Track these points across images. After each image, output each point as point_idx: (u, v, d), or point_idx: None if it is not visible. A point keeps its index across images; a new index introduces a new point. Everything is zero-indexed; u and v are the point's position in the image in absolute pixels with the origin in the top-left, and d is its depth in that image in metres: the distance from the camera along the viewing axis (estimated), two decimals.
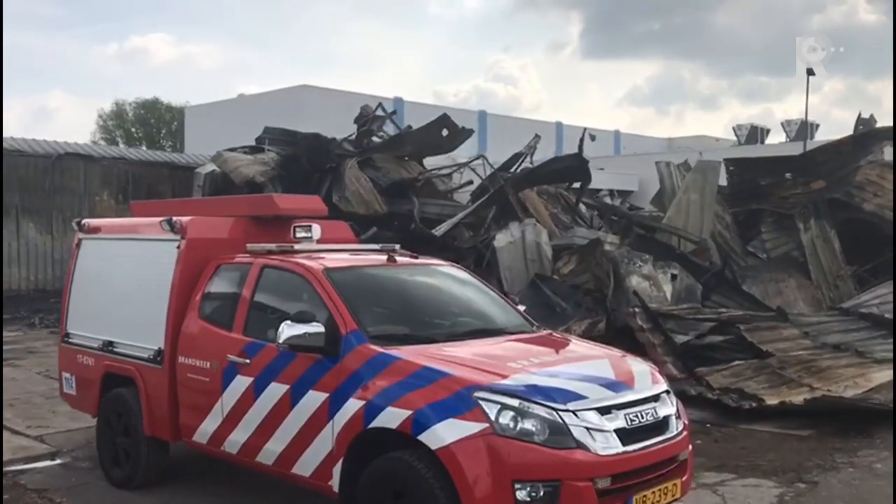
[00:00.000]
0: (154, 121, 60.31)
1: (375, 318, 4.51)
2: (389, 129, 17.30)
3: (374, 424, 3.89)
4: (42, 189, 18.33)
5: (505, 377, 3.81)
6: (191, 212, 5.71)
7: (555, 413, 3.65)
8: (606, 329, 9.02)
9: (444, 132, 14.67)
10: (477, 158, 15.48)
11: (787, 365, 8.82)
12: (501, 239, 10.62)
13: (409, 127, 15.25)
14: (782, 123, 36.42)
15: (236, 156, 14.85)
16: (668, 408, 4.16)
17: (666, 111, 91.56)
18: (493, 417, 3.61)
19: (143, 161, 20.68)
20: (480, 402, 3.66)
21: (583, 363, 4.26)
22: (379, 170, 15.04)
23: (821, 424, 7.16)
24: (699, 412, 7.75)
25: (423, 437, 3.68)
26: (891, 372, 8.80)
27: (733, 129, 44.32)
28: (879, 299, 12.26)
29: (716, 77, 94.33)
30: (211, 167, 15.73)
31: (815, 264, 12.77)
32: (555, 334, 5.08)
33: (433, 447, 3.64)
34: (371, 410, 3.91)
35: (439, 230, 12.13)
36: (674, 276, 9.92)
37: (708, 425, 7.34)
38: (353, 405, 4.00)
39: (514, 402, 3.66)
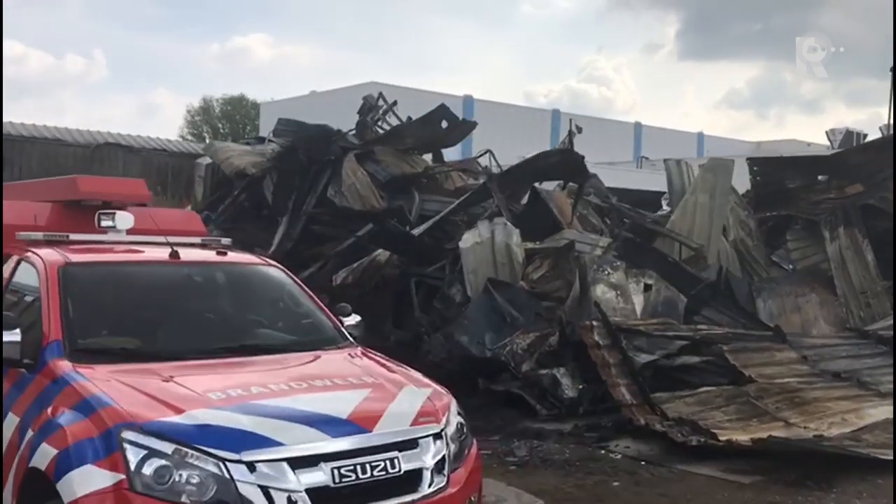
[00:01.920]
0: (239, 117, 61.97)
1: (101, 326, 3.73)
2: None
3: (32, 463, 3.10)
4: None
5: (180, 412, 2.95)
6: (12, 195, 5.04)
7: (221, 465, 2.77)
8: (561, 344, 7.96)
9: (444, 124, 13.75)
10: (484, 153, 14.50)
11: (767, 394, 7.60)
12: (468, 239, 9.65)
13: (410, 119, 14.38)
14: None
15: (228, 146, 14.35)
16: (422, 459, 3.21)
17: (765, 115, 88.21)
18: (133, 467, 2.77)
19: (184, 153, 20.48)
20: (125, 444, 2.82)
21: (325, 394, 3.36)
22: (379, 163, 14.27)
23: (778, 469, 5.99)
24: (641, 446, 6.68)
25: (59, 486, 2.87)
26: (889, 408, 7.47)
27: (826, 133, 41.76)
28: None
29: (820, 80, 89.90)
30: (224, 158, 15.28)
31: (843, 278, 11.30)
32: (359, 355, 4.16)
33: (65, 500, 2.82)
34: (34, 445, 3.12)
35: (418, 230, 11.24)
36: (647, 287, 8.75)
37: (643, 463, 6.26)
38: (27, 436, 3.22)
39: (167, 448, 2.80)
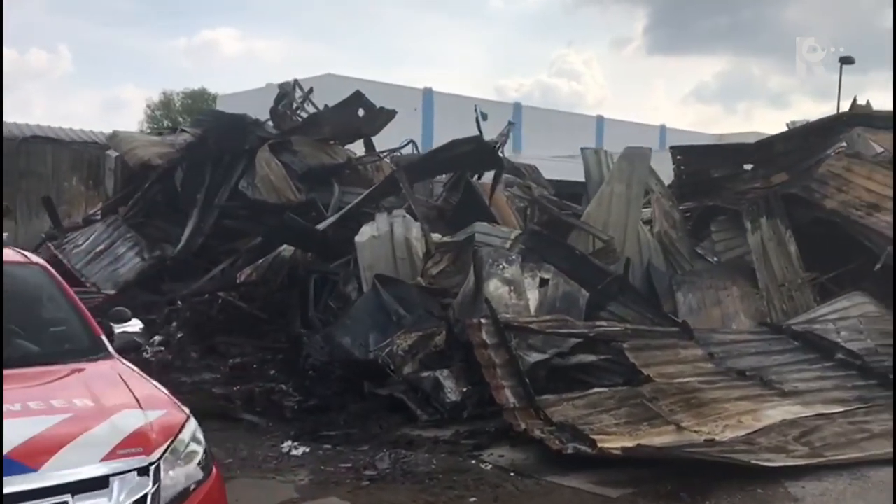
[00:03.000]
0: (200, 111, 61.26)
1: None
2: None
3: None
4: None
5: None
6: None
7: None
8: (448, 344, 7.44)
9: (360, 112, 13.17)
10: (407, 144, 13.95)
11: (663, 395, 7.14)
12: (365, 233, 9.10)
13: (327, 107, 13.77)
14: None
15: (133, 136, 13.67)
16: (109, 498, 2.64)
17: (733, 108, 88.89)
18: None
19: None
20: None
21: (9, 422, 2.78)
22: (296, 154, 13.66)
23: (656, 478, 5.52)
24: (517, 454, 6.18)
25: None
26: (790, 408, 7.07)
27: (787, 125, 41.85)
28: (838, 314, 10.43)
29: (787, 74, 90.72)
30: (127, 148, 14.53)
31: (766, 270, 10.93)
32: (103, 370, 3.58)
33: None
34: None
35: (323, 224, 10.66)
36: (543, 281, 8.26)
37: (512, 474, 5.75)
38: None
39: None
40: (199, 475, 3.11)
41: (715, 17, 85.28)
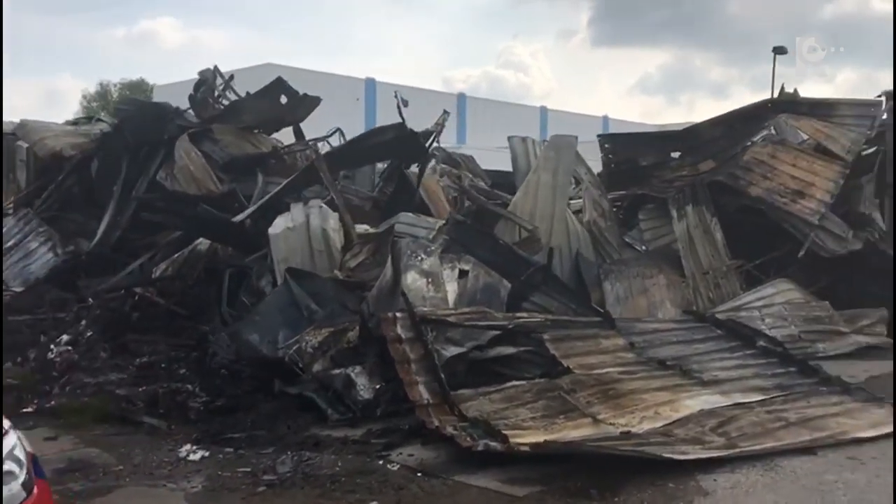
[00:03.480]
0: None
1: None
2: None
3: None
4: None
5: None
6: None
7: None
8: (362, 339, 7.15)
9: (283, 99, 12.75)
10: (334, 132, 13.57)
11: (581, 387, 6.98)
12: (279, 224, 8.74)
13: (249, 94, 13.32)
14: None
15: (45, 125, 12.98)
16: None
17: (677, 100, 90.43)
18: None
19: None
20: None
21: None
22: (217, 143, 13.17)
23: (566, 475, 5.32)
24: (428, 453, 5.93)
25: None
26: (709, 398, 6.97)
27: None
28: (764, 301, 10.50)
29: (727, 65, 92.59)
30: (37, 138, 13.85)
31: (692, 258, 10.93)
32: None
33: None
34: None
35: (240, 216, 10.24)
36: (463, 273, 8.03)
37: (419, 474, 5.50)
38: None
39: None
40: (22, 495, 2.79)
41: (658, 10, 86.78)
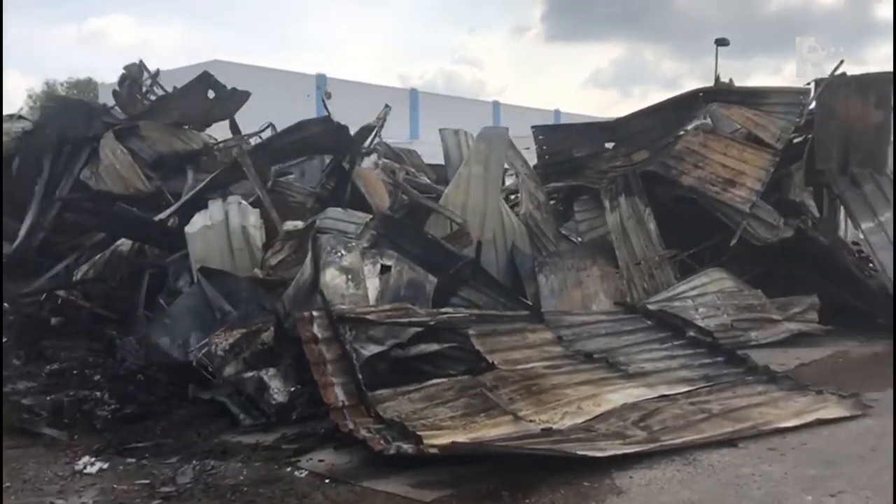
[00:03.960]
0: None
1: None
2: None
3: None
4: None
5: None
6: None
7: None
8: (278, 339, 6.88)
9: (210, 94, 12.37)
10: (266, 128, 13.22)
11: (504, 383, 6.81)
12: (196, 222, 8.41)
13: (175, 89, 12.90)
14: None
15: None
16: None
17: (629, 93, 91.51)
18: None
19: None
20: None
21: None
22: (144, 140, 12.74)
23: (481, 477, 5.13)
24: (341, 458, 5.69)
25: None
26: (633, 391, 6.86)
27: None
28: (697, 290, 10.47)
29: (678, 59, 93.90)
30: None
31: (626, 249, 10.86)
32: None
33: None
34: None
35: (162, 215, 9.89)
36: (385, 268, 7.81)
37: (327, 481, 5.25)
38: None
39: None
40: None
41: (609, 4, 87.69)
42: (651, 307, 9.11)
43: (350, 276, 7.47)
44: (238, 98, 12.54)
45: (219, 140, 13.85)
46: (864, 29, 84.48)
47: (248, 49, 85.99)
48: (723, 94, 11.53)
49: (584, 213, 11.61)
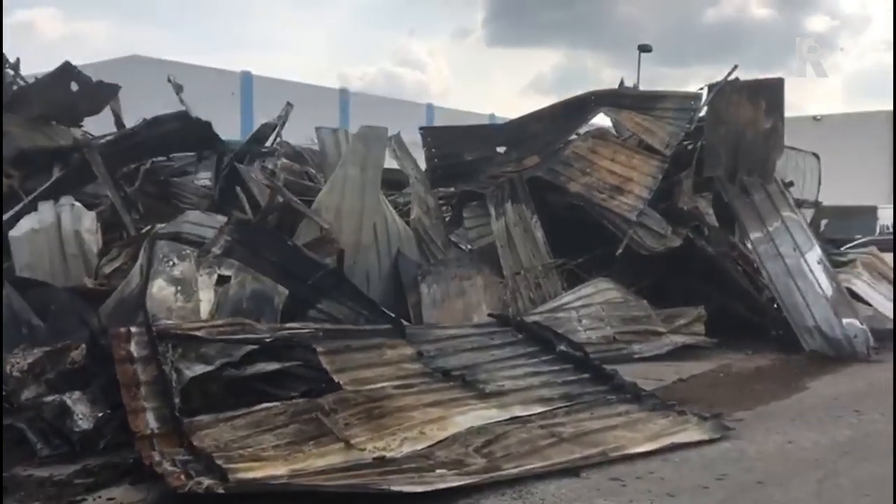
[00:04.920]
0: None
1: None
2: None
3: None
4: None
5: None
6: None
7: None
8: (92, 359, 6.15)
9: (74, 86, 11.47)
10: (141, 125, 12.33)
11: (345, 406, 6.22)
12: (23, 226, 7.61)
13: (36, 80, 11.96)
14: None
15: None
16: None
17: None
18: None
19: None
20: None
21: None
22: (7, 135, 11.75)
23: None
24: (137, 494, 5.03)
25: None
26: (484, 412, 6.35)
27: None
28: (582, 301, 10.09)
29: (618, 66, 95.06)
30: None
31: (511, 258, 10.41)
32: None
33: None
34: None
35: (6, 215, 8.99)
36: (223, 278, 7.15)
37: None
38: None
39: None
40: None
41: (550, 11, 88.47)
42: (528, 319, 8.66)
43: (180, 288, 6.78)
44: (106, 92, 11.68)
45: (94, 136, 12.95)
46: (794, 41, 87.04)
47: (185, 47, 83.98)
48: (615, 97, 11.19)
49: (473, 219, 11.15)
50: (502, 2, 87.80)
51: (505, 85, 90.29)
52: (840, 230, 22.08)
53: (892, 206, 25.09)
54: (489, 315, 8.82)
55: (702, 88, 11.00)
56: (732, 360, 9.69)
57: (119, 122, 13.24)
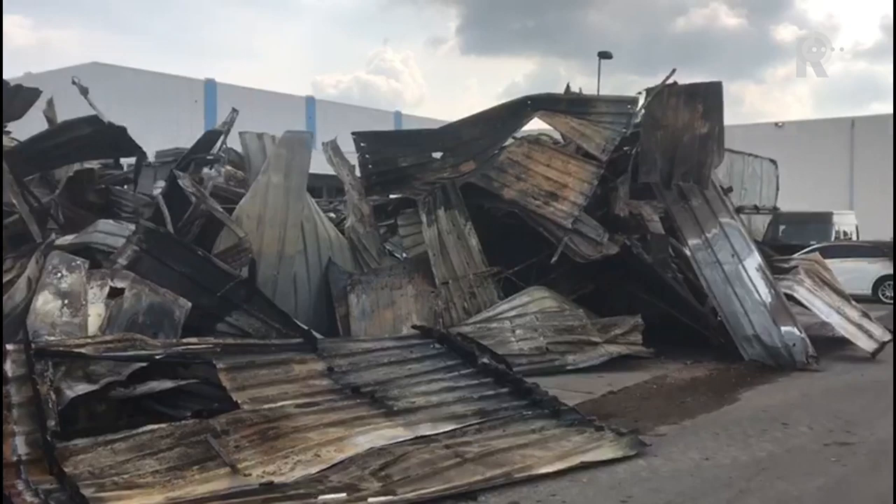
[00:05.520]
0: None
1: None
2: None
3: None
4: None
5: None
6: None
7: None
8: None
9: None
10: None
11: (239, 427, 5.83)
12: None
13: None
14: None
15: None
16: None
17: None
18: None
19: None
20: None
21: None
22: None
23: None
24: None
25: None
26: (388, 431, 6.00)
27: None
28: (517, 310, 9.79)
29: (590, 75, 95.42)
30: None
31: (445, 266, 10.07)
32: None
33: None
34: None
35: None
36: (116, 291, 6.74)
37: None
38: None
39: None
40: None
41: (523, 19, 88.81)
42: (457, 330, 8.35)
43: (67, 301, 6.36)
44: (25, 96, 11.19)
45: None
46: (764, 50, 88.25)
47: (160, 57, 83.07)
48: (551, 101, 10.91)
49: (407, 227, 10.81)
50: (475, 11, 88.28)
51: (479, 93, 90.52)
52: (795, 236, 22.05)
53: (846, 212, 25.10)
54: (413, 327, 8.47)
55: (640, 93, 10.77)
56: (670, 370, 9.44)
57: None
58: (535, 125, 11.40)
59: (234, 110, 14.69)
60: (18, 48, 74.07)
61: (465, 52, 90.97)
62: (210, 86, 51.17)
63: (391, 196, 11.22)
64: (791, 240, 21.58)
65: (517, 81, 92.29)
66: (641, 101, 10.53)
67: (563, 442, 6.01)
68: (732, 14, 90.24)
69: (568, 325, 9.58)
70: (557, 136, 11.38)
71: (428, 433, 6.03)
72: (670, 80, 10.49)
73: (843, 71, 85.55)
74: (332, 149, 11.86)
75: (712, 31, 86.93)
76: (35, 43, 75.57)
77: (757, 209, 23.34)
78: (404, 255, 10.98)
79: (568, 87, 12.52)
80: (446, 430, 6.11)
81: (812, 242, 20.51)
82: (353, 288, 9.83)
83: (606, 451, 5.85)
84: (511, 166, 10.12)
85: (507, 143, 10.69)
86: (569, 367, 9.22)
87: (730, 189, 11.32)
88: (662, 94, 10.36)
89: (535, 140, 10.44)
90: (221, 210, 9.40)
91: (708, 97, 10.25)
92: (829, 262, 18.80)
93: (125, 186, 12.13)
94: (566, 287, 10.65)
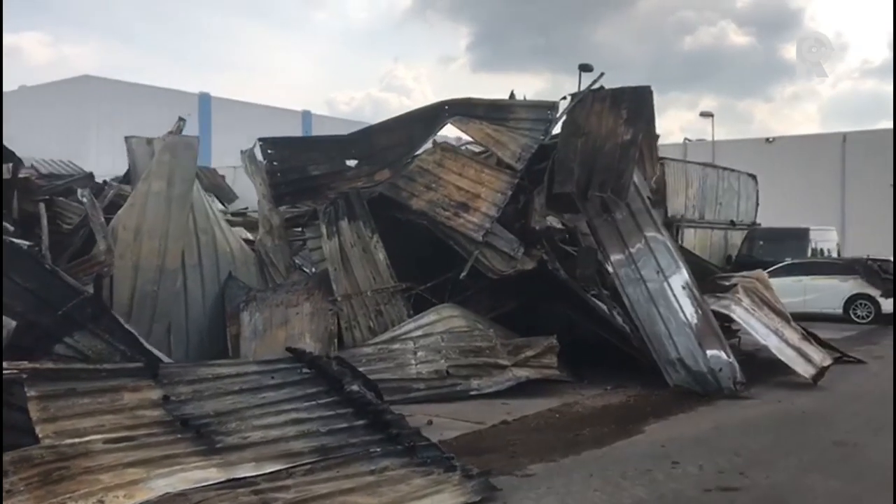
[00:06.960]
0: None
1: None
2: None
3: None
4: None
5: None
6: None
7: None
8: None
9: None
10: None
11: (26, 467, 5.09)
12: None
13: None
14: None
15: None
16: None
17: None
18: None
19: None
20: None
21: None
22: None
23: None
24: None
25: None
26: (198, 473, 5.24)
27: None
28: (423, 330, 9.05)
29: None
30: None
31: (347, 281, 9.33)
32: None
33: None
34: None
35: None
36: None
37: None
38: None
39: None
40: None
41: (533, 37, 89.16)
42: (370, 349, 7.64)
43: None
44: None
45: None
46: (772, 68, 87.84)
47: (174, 74, 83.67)
48: (468, 107, 10.20)
49: (315, 239, 10.06)
50: (486, 29, 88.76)
51: None
52: (771, 253, 21.26)
53: (827, 228, 24.26)
54: (286, 349, 7.72)
55: (564, 98, 10.05)
56: (584, 396, 8.67)
57: None
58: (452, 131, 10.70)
59: (181, 119, 14.04)
60: (37, 63, 74.68)
61: (476, 70, 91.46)
62: (204, 99, 50.90)
63: (301, 206, 10.48)
64: (766, 256, 20.78)
65: (527, 97, 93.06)
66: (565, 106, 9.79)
67: (399, 486, 5.24)
68: (741, 32, 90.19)
69: (475, 346, 8.81)
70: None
71: (245, 475, 5.26)
72: (596, 85, 9.77)
73: (852, 89, 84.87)
74: (249, 157, 11.17)
75: (721, 48, 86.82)
76: (53, 59, 76.29)
77: (733, 224, 22.59)
78: (313, 269, 10.25)
79: (512, 94, 11.82)
80: (270, 471, 5.34)
81: (787, 259, 19.73)
82: (247, 305, 9.12)
83: (445, 498, 5.10)
84: (421, 175, 9.40)
85: (420, 151, 9.97)
86: (472, 393, 8.47)
87: (655, 200, 10.55)
88: (587, 99, 9.64)
89: (449, 147, 9.71)
90: (102, 221, 8.69)
91: (633, 102, 9.50)
92: (798, 279, 18.28)
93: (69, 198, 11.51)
94: (486, 304, 9.91)
